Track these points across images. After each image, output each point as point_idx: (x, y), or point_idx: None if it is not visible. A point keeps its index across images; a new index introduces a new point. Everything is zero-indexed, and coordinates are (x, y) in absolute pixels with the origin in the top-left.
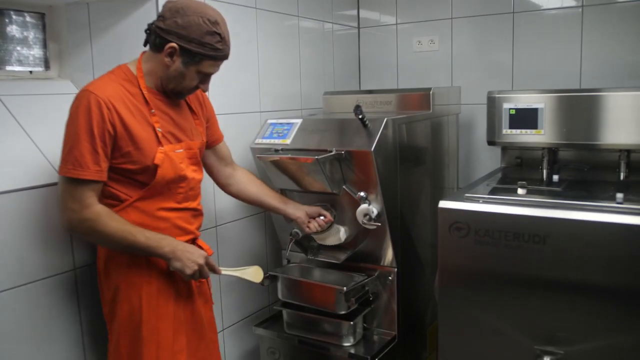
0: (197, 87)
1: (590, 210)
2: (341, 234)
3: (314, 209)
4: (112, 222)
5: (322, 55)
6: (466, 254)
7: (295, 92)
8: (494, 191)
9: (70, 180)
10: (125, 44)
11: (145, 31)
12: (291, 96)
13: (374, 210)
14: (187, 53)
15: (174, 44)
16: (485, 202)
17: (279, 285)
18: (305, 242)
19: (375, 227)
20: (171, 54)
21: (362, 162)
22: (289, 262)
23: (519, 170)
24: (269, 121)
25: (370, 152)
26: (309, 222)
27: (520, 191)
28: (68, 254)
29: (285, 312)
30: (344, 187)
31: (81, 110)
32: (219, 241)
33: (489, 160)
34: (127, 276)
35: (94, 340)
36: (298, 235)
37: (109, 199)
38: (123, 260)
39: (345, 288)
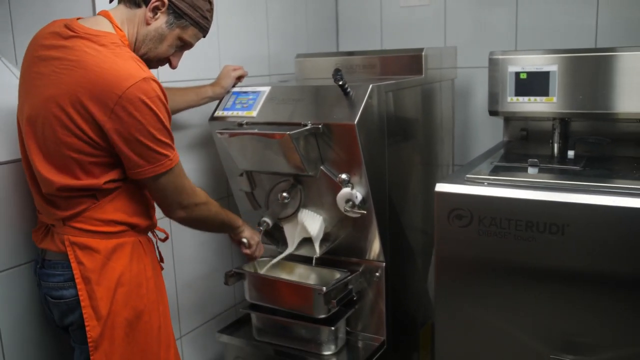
0: (166, 60)
1: (619, 194)
2: (317, 225)
3: (225, 72)
4: (213, 201)
5: (294, 11)
6: (468, 246)
7: (262, 55)
8: (499, 171)
9: (177, 168)
10: None
11: None
12: (257, 60)
13: (358, 195)
14: (175, 12)
15: None
16: (491, 184)
17: (246, 284)
18: (277, 233)
19: (359, 215)
20: (156, 9)
21: (343, 138)
22: None
23: (524, 144)
24: (232, 90)
25: (353, 126)
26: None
27: (531, 170)
28: None
29: (254, 315)
30: (321, 167)
31: (155, 101)
32: (173, 231)
33: (489, 133)
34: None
35: (18, 354)
36: (268, 224)
37: (109, 183)
38: (126, 250)
39: (324, 288)
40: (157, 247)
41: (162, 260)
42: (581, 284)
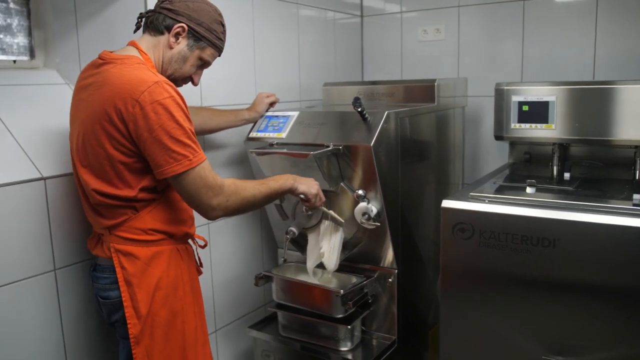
0: (190, 79)
1: (604, 212)
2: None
3: (259, 98)
4: (245, 183)
5: (323, 45)
6: (470, 256)
7: (293, 83)
8: (501, 190)
9: (198, 169)
10: (113, 31)
11: (139, 18)
12: (289, 87)
13: (373, 209)
14: (194, 36)
15: (183, 24)
16: (491, 201)
17: (274, 286)
18: (302, 241)
19: (374, 226)
20: (177, 35)
21: (361, 158)
22: (285, 261)
23: (527, 166)
24: (265, 114)
25: (369, 147)
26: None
27: (529, 190)
28: (48, 253)
29: (280, 314)
30: (341, 184)
31: (168, 102)
32: (211, 238)
33: (496, 155)
34: (168, 268)
35: (75, 342)
36: (294, 233)
37: (144, 192)
38: (164, 257)
39: (342, 291)
40: (197, 254)
41: (201, 265)
42: (569, 292)
